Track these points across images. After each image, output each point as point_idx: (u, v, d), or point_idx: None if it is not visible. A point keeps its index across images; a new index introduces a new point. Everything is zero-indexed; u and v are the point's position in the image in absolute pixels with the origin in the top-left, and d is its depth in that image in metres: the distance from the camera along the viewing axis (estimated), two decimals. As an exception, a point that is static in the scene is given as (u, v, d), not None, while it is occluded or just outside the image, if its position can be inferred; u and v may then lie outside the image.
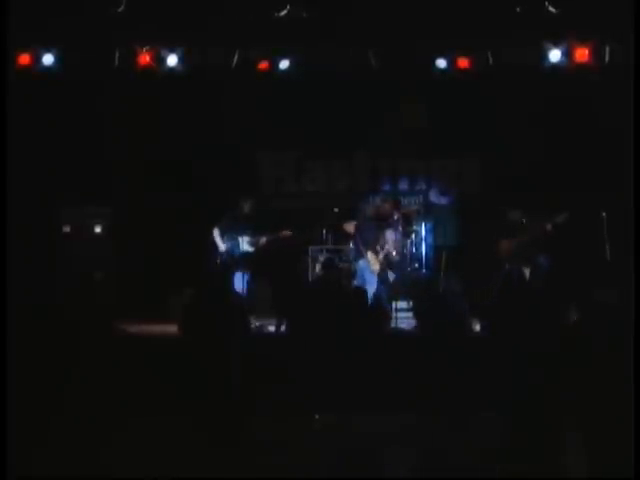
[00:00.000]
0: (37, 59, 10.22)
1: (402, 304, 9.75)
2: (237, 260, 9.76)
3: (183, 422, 6.55)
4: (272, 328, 9.04)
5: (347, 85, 11.01)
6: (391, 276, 9.61)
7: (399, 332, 8.86)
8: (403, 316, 9.48)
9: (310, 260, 10.52)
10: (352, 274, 9.74)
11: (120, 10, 9.61)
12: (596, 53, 10.12)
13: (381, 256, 9.49)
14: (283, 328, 8.21)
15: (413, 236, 10.56)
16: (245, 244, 9.91)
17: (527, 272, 9.32)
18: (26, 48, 10.11)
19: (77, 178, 11.07)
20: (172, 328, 7.92)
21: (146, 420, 6.70)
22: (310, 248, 10.62)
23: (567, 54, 10.19)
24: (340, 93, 11.18)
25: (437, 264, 10.45)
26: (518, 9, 9.70)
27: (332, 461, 5.95)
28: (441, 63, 10.55)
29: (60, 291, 8.43)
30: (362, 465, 5.90)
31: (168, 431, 6.47)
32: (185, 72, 10.42)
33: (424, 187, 11.93)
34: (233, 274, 9.28)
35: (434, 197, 11.82)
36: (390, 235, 9.67)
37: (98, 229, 11.04)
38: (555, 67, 10.25)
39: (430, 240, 11.05)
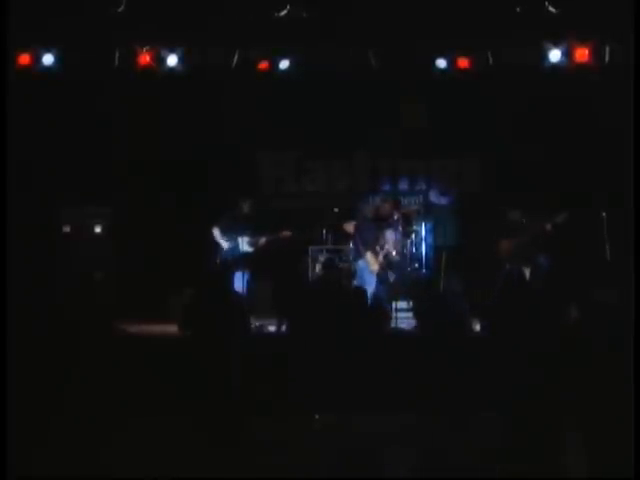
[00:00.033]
0: (37, 59, 10.21)
1: (402, 304, 9.75)
2: (237, 260, 9.76)
3: (183, 422, 6.56)
4: (272, 328, 9.04)
5: (347, 85, 11.00)
6: (391, 276, 9.61)
7: (399, 332, 8.86)
8: (403, 316, 9.47)
9: (310, 260, 10.52)
10: (352, 274, 9.74)
11: (120, 10, 9.61)
12: (596, 53, 10.12)
13: (381, 256, 9.49)
14: (284, 328, 8.21)
15: (413, 236, 10.56)
16: (245, 244, 9.90)
17: (527, 272, 9.32)
18: (26, 48, 10.10)
19: (77, 178, 11.07)
20: (172, 328, 7.93)
21: (146, 420, 6.70)
22: (310, 248, 10.62)
23: (567, 54, 10.19)
24: (340, 93, 11.18)
25: (437, 264, 10.46)
26: (518, 9, 9.69)
27: (332, 461, 5.95)
28: (441, 63, 10.54)
29: (60, 291, 8.43)
30: (362, 465, 5.90)
31: (168, 431, 6.47)
32: (185, 72, 10.42)
33: (424, 187, 11.93)
34: (233, 274, 9.27)
35: (434, 197, 11.82)
36: (390, 235, 9.67)
37: (98, 229, 11.04)
38: (555, 67, 10.25)
39: (430, 240, 11.05)
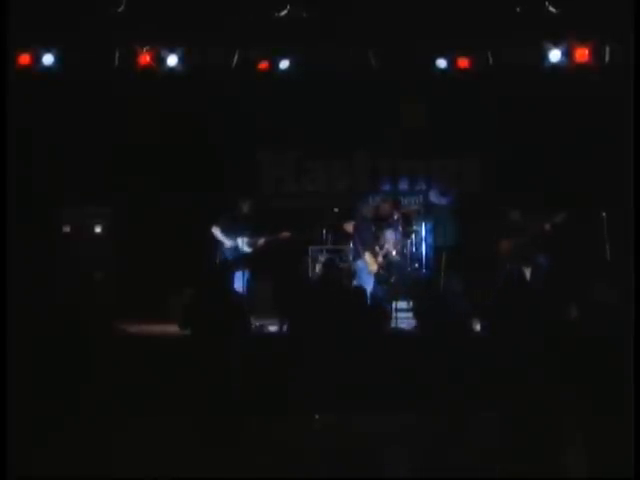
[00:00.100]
0: (37, 59, 10.21)
1: (402, 304, 9.74)
2: (237, 260, 9.76)
3: (183, 422, 6.56)
4: (272, 328, 9.04)
5: (347, 85, 11.00)
6: (391, 276, 9.62)
7: (399, 332, 8.86)
8: (403, 316, 9.47)
9: (310, 260, 10.52)
10: (352, 274, 9.74)
11: (120, 10, 9.61)
12: (596, 53, 10.12)
13: (380, 256, 9.49)
14: (285, 328, 8.21)
15: (413, 236, 10.56)
16: (244, 245, 9.89)
17: (527, 272, 9.32)
18: (26, 48, 10.10)
19: (77, 178, 11.07)
20: (172, 328, 7.93)
21: (146, 420, 6.71)
22: (310, 248, 10.62)
23: (567, 54, 10.18)
24: (340, 93, 11.18)
25: (437, 264, 10.46)
26: (518, 9, 9.69)
27: (332, 461, 5.95)
28: (441, 63, 10.54)
29: (60, 291, 8.44)
30: (362, 465, 5.90)
31: (168, 431, 6.47)
32: (185, 72, 10.41)
33: (424, 187, 11.92)
34: (233, 274, 9.27)
35: (434, 197, 11.81)
36: (390, 235, 9.68)
37: (98, 229, 11.05)
38: (555, 67, 10.24)
39: (430, 240, 11.04)
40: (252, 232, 9.92)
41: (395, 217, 9.91)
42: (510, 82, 10.63)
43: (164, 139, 11.31)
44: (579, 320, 7.05)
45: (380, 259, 9.49)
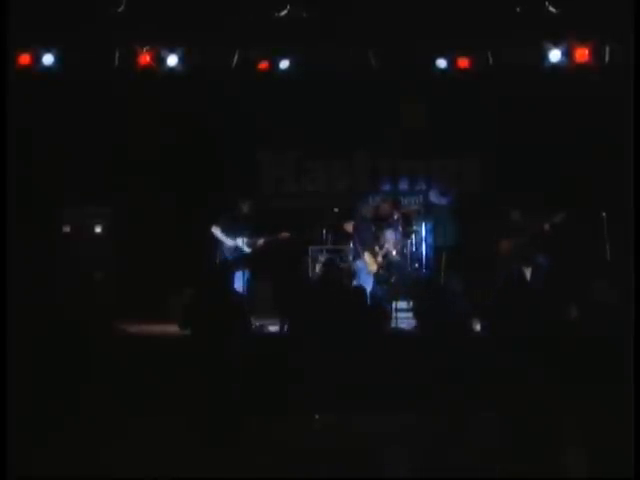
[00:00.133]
0: (37, 59, 10.21)
1: (402, 304, 9.74)
2: (237, 260, 9.76)
3: (183, 422, 6.56)
4: (272, 328, 9.04)
5: (347, 85, 11.00)
6: (391, 276, 9.62)
7: (399, 332, 8.86)
8: (403, 316, 9.47)
9: (310, 260, 10.52)
10: (353, 274, 9.74)
11: (120, 10, 9.61)
12: (596, 53, 10.12)
13: (380, 256, 9.50)
14: (286, 328, 8.21)
15: (413, 236, 10.56)
16: (243, 245, 9.89)
17: (527, 272, 9.32)
18: (26, 48, 10.09)
19: (77, 178, 11.08)
20: (172, 328, 7.93)
21: (146, 420, 6.71)
22: (310, 248, 10.62)
23: (567, 54, 10.18)
24: (340, 93, 11.18)
25: (437, 264, 10.47)
26: (518, 9, 9.69)
27: (332, 461, 5.95)
28: (441, 63, 10.53)
29: (60, 291, 8.44)
30: (362, 465, 5.90)
31: (168, 431, 6.47)
32: (185, 72, 10.41)
33: (424, 187, 11.93)
34: (233, 274, 9.27)
35: (434, 197, 11.80)
36: (390, 235, 9.68)
37: (98, 229, 11.05)
38: (555, 67, 10.24)
39: (430, 240, 11.05)
40: (252, 232, 9.92)
41: (395, 217, 9.92)
42: (510, 82, 10.63)
43: (164, 139, 11.31)
44: (579, 320, 7.05)
45: (380, 259, 9.49)
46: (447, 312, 7.25)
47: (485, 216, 10.51)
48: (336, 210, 10.71)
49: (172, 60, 10.31)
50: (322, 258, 10.24)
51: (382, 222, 9.76)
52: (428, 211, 11.47)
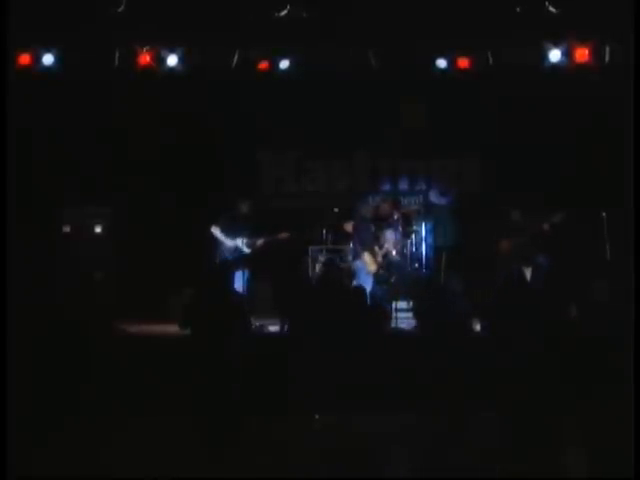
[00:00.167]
0: (37, 59, 10.21)
1: (402, 304, 9.74)
2: (237, 260, 9.75)
3: (183, 422, 6.56)
4: (272, 328, 9.04)
5: (347, 85, 11.00)
6: (391, 276, 9.62)
7: (399, 332, 8.86)
8: (403, 316, 9.48)
9: (310, 260, 10.52)
10: (352, 274, 9.73)
11: (120, 10, 9.61)
12: (596, 53, 10.12)
13: (380, 256, 9.49)
14: (286, 328, 8.21)
15: (413, 236, 10.56)
16: (244, 245, 9.89)
17: (527, 272, 9.32)
18: (26, 48, 10.09)
19: (77, 178, 11.08)
20: (172, 328, 7.93)
21: (146, 420, 6.71)
22: (310, 248, 10.61)
23: (567, 54, 10.18)
24: (340, 93, 11.18)
25: (437, 264, 10.46)
26: (518, 9, 9.69)
27: (332, 461, 5.95)
28: (441, 63, 10.54)
29: (60, 291, 8.44)
30: (362, 465, 5.90)
31: (168, 431, 6.48)
32: (185, 72, 10.42)
33: (424, 187, 11.93)
34: (233, 274, 9.27)
35: (434, 197, 11.81)
36: (390, 235, 9.68)
37: (98, 229, 11.05)
38: (555, 67, 10.24)
39: (430, 240, 11.04)
40: (252, 232, 9.91)
41: (395, 217, 9.92)
42: (510, 82, 10.63)
43: (164, 139, 11.31)
44: (579, 320, 7.05)
45: (380, 259, 9.49)
46: (447, 312, 7.25)
47: (485, 216, 10.51)
48: (336, 210, 10.70)
49: (172, 60, 10.31)
50: (322, 258, 10.24)
51: (382, 222, 9.76)
52: (428, 211, 11.47)
